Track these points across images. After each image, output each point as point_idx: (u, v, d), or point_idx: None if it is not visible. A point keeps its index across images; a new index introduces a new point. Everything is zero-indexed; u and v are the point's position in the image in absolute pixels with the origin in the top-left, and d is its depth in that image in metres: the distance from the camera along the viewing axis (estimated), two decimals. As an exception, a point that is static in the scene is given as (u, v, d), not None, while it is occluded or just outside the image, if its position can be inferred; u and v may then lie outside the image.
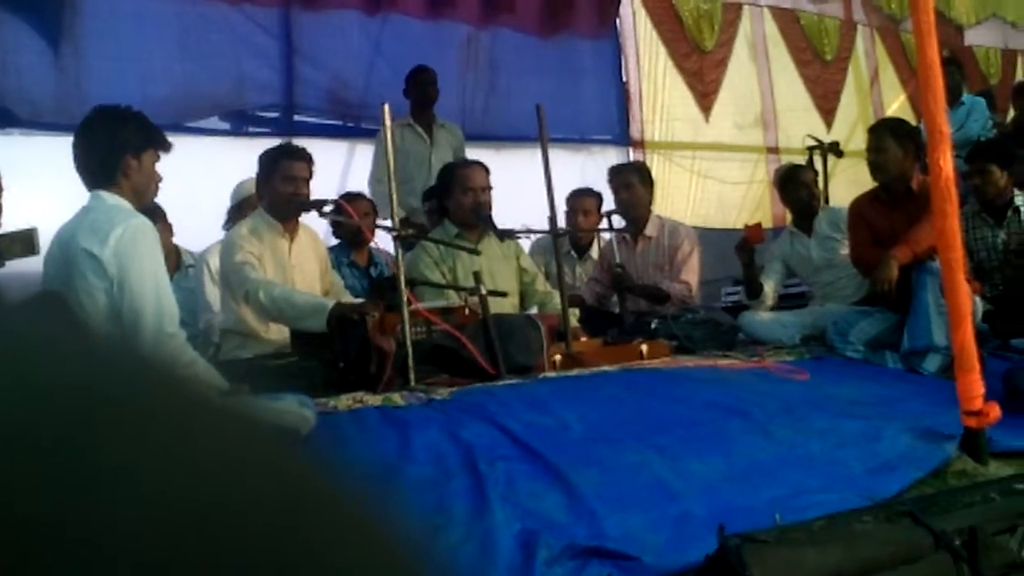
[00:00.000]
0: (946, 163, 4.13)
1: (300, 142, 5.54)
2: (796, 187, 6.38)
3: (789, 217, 6.78)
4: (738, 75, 10.17)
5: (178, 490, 0.33)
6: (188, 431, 0.36)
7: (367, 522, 0.38)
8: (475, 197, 5.71)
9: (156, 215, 6.32)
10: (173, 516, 0.32)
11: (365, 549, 0.37)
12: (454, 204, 5.79)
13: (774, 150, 10.25)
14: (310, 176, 5.18)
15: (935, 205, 4.13)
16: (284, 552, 0.33)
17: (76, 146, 3.79)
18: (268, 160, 5.21)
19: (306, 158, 5.20)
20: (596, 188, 7.25)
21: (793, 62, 10.46)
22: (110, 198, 3.68)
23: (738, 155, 10.14)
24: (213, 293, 5.66)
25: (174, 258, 6.46)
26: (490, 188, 5.81)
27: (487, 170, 5.90)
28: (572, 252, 7.16)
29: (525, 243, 6.42)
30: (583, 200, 7.12)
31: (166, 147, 3.91)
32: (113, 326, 3.46)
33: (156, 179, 3.89)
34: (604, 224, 6.56)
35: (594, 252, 7.23)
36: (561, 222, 5.79)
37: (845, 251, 5.98)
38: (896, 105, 10.75)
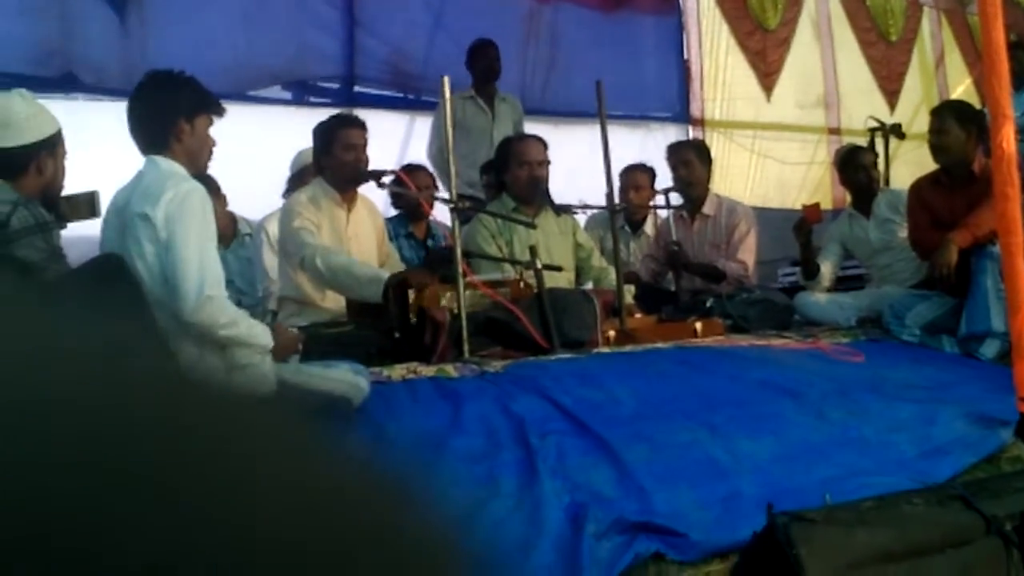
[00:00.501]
0: (1009, 145, 4.08)
1: (360, 113, 5.58)
2: (855, 169, 6.33)
3: (849, 199, 6.72)
4: (801, 54, 10.07)
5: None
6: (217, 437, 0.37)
7: (397, 515, 0.39)
8: (531, 171, 5.71)
9: (209, 186, 6.39)
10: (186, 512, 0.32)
11: (392, 548, 0.37)
12: (511, 178, 5.79)
13: (836, 131, 10.14)
14: (366, 143, 5.21)
15: (996, 188, 4.08)
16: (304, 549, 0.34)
17: (130, 111, 3.81)
18: (324, 131, 5.24)
19: (362, 125, 5.23)
20: (653, 166, 7.22)
21: (857, 42, 10.34)
22: (164, 163, 3.70)
23: (799, 135, 10.05)
24: (271, 261, 5.71)
25: (231, 227, 6.53)
26: (547, 162, 5.81)
27: (544, 144, 5.89)
28: (626, 227, 7.14)
29: (580, 219, 6.41)
30: (635, 175, 7.09)
31: (219, 112, 3.92)
32: (163, 289, 3.49)
33: (210, 144, 3.89)
34: (661, 200, 6.54)
35: (648, 228, 7.21)
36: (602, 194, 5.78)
37: (904, 234, 5.91)
38: (962, 89, 10.59)
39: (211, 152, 3.92)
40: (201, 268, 3.49)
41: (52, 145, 3.71)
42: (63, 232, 3.73)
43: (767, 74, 9.83)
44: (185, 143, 3.76)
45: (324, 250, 4.91)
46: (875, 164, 6.53)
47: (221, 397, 0.41)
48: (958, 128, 5.43)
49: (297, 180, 6.03)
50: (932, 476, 3.54)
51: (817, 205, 6.26)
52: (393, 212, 6.65)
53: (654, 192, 7.06)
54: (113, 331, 0.40)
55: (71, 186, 3.93)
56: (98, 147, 5.40)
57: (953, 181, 5.54)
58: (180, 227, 3.51)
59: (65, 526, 0.30)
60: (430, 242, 6.49)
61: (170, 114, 3.74)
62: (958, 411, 4.21)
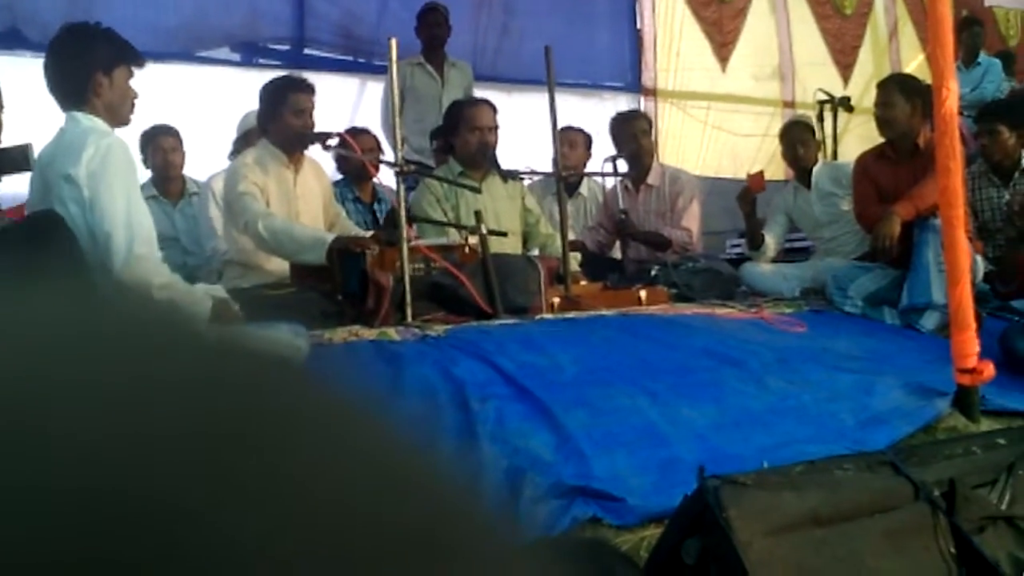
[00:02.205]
0: (952, 121, 4.11)
1: (309, 76, 5.52)
2: (789, 143, 6.37)
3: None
4: (757, 26, 10.08)
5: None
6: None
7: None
8: (481, 136, 5.68)
9: (171, 134, 6.36)
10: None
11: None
12: (460, 142, 5.77)
13: (790, 104, 10.17)
14: (314, 108, 5.17)
15: (939, 162, 4.12)
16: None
17: (46, 66, 3.72)
18: (274, 92, 5.17)
19: (311, 90, 5.18)
20: (602, 134, 7.22)
21: (812, 15, 10.36)
22: (84, 119, 3.62)
23: (754, 107, 10.07)
24: (218, 220, 5.67)
25: (179, 184, 6.50)
26: (496, 128, 5.79)
27: (495, 109, 5.87)
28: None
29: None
30: (567, 134, 6.96)
31: (139, 62, 3.83)
32: (92, 249, 3.43)
33: (131, 96, 3.79)
34: (608, 168, 6.54)
35: (584, 190, 7.22)
36: (550, 162, 5.77)
37: (846, 207, 5.95)
38: (915, 64, 10.65)
39: (133, 105, 3.83)
40: (128, 224, 3.43)
41: (-11, 100, 3.65)
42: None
43: (723, 44, 9.84)
44: (104, 97, 3.68)
45: (266, 215, 4.88)
46: (810, 139, 6.49)
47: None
48: (904, 101, 5.45)
49: (243, 142, 5.99)
50: (869, 445, 3.56)
51: (761, 174, 6.29)
52: (339, 177, 6.62)
53: (588, 154, 7.11)
54: (54, 287, 0.39)
55: (9, 141, 3.88)
56: (43, 103, 5.33)
57: (898, 154, 5.57)
58: (103, 184, 3.44)
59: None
60: (377, 206, 6.47)
61: (86, 68, 3.66)
62: (897, 381, 4.25)
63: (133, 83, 3.81)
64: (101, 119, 3.65)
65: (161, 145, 6.31)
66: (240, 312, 3.95)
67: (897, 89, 5.52)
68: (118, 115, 3.74)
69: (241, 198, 4.92)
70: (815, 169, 6.26)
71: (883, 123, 5.56)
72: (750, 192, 6.12)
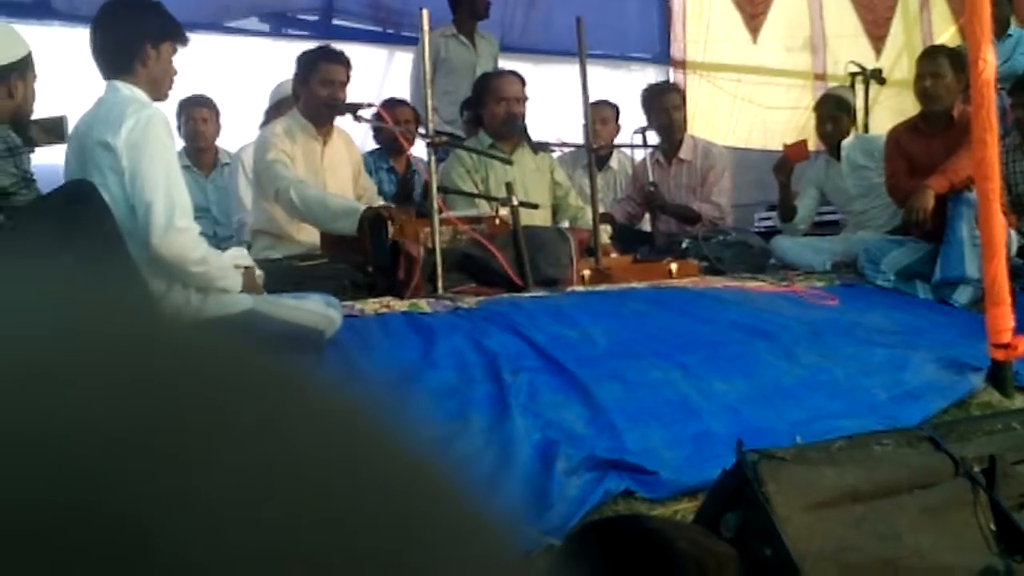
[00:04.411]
0: (988, 93, 4.07)
1: (339, 46, 5.49)
2: (820, 118, 6.31)
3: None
4: (788, -3, 9.98)
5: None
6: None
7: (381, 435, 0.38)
8: (508, 107, 5.66)
9: (205, 105, 6.37)
10: None
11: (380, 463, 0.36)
12: (488, 114, 5.75)
13: (821, 76, 10.06)
14: (347, 81, 5.15)
15: (975, 135, 4.08)
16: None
17: (94, 31, 3.73)
18: (307, 61, 5.17)
19: (345, 62, 5.16)
20: (631, 106, 7.19)
21: (844, -15, 10.26)
22: (124, 88, 3.62)
23: (784, 80, 9.98)
24: (247, 192, 5.67)
25: (213, 155, 6.51)
26: (524, 99, 5.76)
27: (522, 81, 5.85)
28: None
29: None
30: (600, 109, 6.95)
31: (184, 40, 3.83)
32: (128, 219, 3.43)
33: (172, 72, 3.80)
34: (637, 140, 6.51)
35: (614, 163, 7.20)
36: (580, 135, 5.74)
37: (878, 180, 5.89)
38: (946, 36, 10.53)
39: (172, 81, 3.84)
40: (168, 196, 3.43)
41: (23, 68, 3.65)
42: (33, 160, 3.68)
43: (753, 16, 9.74)
44: (150, 68, 3.68)
45: (298, 182, 4.87)
46: (840, 115, 6.42)
47: (197, 326, 0.39)
48: (952, 74, 5.36)
49: (275, 112, 5.97)
50: (902, 420, 3.56)
51: (803, 143, 6.24)
52: (374, 146, 6.61)
53: (618, 127, 7.08)
54: (84, 260, 0.38)
55: (43, 112, 3.88)
56: (72, 74, 5.34)
57: (932, 127, 5.51)
58: (144, 156, 3.44)
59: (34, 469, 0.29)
60: (410, 177, 6.46)
61: (137, 37, 3.66)
62: (930, 356, 4.23)
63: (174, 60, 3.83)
64: (142, 90, 3.64)
65: (193, 115, 6.33)
66: (262, 281, 3.95)
67: (948, 61, 5.42)
68: (159, 89, 3.74)
69: (272, 166, 4.91)
70: (846, 142, 6.19)
71: (929, 95, 5.44)
72: (788, 162, 6.08)
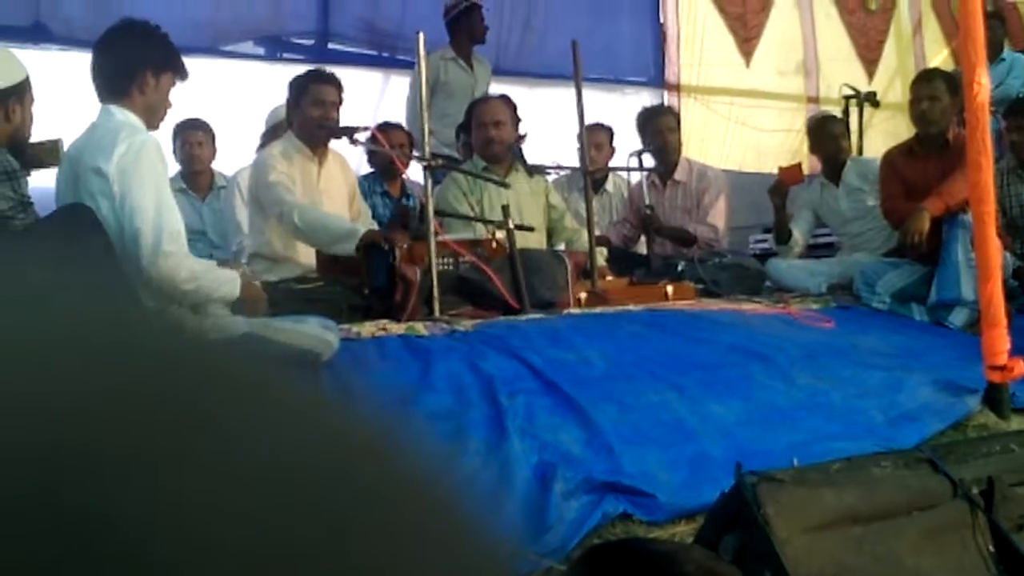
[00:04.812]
0: (983, 116, 4.09)
1: (334, 70, 5.51)
2: (823, 139, 6.33)
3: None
4: (781, 21, 10.00)
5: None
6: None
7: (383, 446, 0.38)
8: (485, 132, 5.68)
9: (200, 128, 6.39)
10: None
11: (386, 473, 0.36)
12: (473, 139, 5.82)
13: (814, 99, 10.10)
14: (340, 102, 5.17)
15: (970, 157, 4.09)
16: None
17: (98, 52, 3.75)
18: (298, 85, 5.20)
19: (335, 83, 5.18)
20: (625, 130, 7.19)
21: (837, 10, 10.29)
22: (119, 113, 3.64)
23: (777, 103, 10.02)
24: (243, 215, 5.67)
25: (209, 179, 6.52)
26: (504, 123, 5.74)
27: (510, 105, 5.87)
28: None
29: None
30: (594, 134, 6.97)
31: (184, 75, 3.86)
32: (119, 242, 3.44)
33: (167, 104, 3.83)
34: (634, 163, 6.52)
35: (609, 186, 7.20)
36: (574, 158, 5.75)
37: (873, 203, 5.91)
38: (939, 60, 10.58)
39: (166, 113, 3.87)
40: (157, 222, 3.45)
41: (21, 92, 3.65)
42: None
43: (746, 39, 9.78)
44: (147, 96, 3.70)
45: (301, 206, 4.89)
46: (844, 134, 6.51)
47: (196, 342, 0.39)
48: (949, 97, 5.38)
49: (271, 136, 5.99)
50: (899, 442, 3.56)
51: (798, 166, 6.26)
52: (369, 169, 6.62)
53: (612, 150, 7.08)
54: (85, 280, 0.38)
55: (39, 136, 3.88)
56: (67, 98, 5.35)
57: (926, 150, 5.52)
58: (135, 182, 3.46)
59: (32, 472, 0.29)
60: (405, 201, 6.46)
61: (139, 63, 3.68)
62: (926, 378, 4.23)
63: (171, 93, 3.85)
64: (137, 116, 3.66)
65: (188, 139, 6.35)
66: (264, 291, 3.97)
67: (945, 84, 5.44)
68: (153, 117, 3.77)
69: (273, 188, 4.92)
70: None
71: (926, 118, 5.46)
72: (783, 184, 6.09)
